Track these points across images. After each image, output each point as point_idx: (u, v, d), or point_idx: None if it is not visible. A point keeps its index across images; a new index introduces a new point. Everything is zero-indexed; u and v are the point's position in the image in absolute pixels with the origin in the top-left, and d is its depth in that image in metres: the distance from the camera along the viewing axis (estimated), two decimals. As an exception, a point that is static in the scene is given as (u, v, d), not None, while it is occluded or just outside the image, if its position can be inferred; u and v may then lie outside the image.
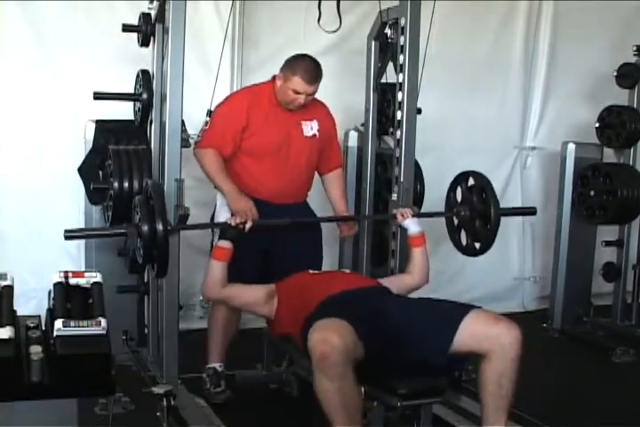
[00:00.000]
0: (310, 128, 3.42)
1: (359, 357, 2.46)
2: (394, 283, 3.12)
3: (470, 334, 2.54)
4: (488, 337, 2.51)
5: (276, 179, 3.29)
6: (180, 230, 3.15)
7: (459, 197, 3.49)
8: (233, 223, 3.02)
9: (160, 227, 2.75)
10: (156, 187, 2.91)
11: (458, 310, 2.62)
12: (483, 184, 3.31)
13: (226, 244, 3.04)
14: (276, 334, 3.08)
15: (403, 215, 3.26)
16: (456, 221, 3.49)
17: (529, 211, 3.88)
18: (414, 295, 3.49)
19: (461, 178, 3.45)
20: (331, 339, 2.35)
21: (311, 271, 3.13)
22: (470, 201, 3.37)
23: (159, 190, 2.90)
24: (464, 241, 3.48)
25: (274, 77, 3.36)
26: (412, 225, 3.23)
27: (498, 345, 2.50)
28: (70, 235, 2.87)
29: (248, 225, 3.03)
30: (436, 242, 4.58)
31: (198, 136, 3.31)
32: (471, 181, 3.40)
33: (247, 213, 3.13)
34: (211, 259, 3.07)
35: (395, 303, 2.78)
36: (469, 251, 3.47)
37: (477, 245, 3.40)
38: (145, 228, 2.75)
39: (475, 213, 3.35)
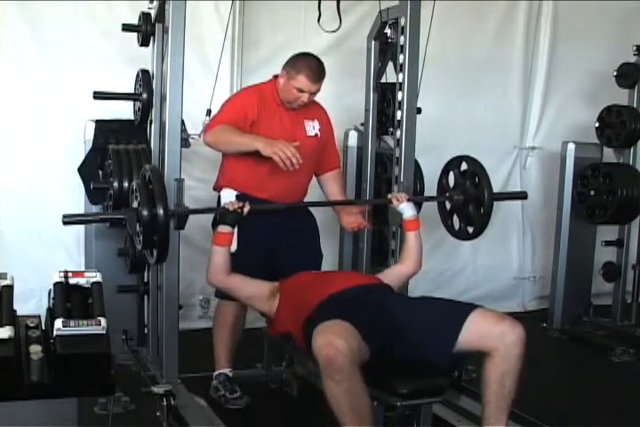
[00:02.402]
0: (312, 128, 3.41)
1: (365, 358, 2.45)
2: (390, 275, 3.12)
3: (474, 332, 2.53)
4: (492, 336, 2.50)
5: (280, 179, 3.27)
6: (180, 230, 3.15)
7: (451, 181, 3.47)
8: (231, 208, 3.02)
9: (160, 210, 2.69)
10: (155, 171, 2.86)
11: (462, 309, 2.61)
12: (475, 169, 3.29)
13: (226, 228, 3.03)
14: (276, 333, 3.08)
15: (398, 199, 3.26)
16: (448, 206, 3.48)
17: (520, 195, 3.89)
18: (415, 294, 3.50)
19: (454, 163, 3.43)
20: (335, 342, 2.34)
21: (313, 272, 3.13)
22: (463, 186, 3.35)
23: (158, 174, 2.84)
24: (457, 226, 3.47)
25: (275, 77, 3.34)
26: (407, 209, 3.23)
27: (502, 344, 2.49)
28: (69, 220, 2.83)
29: (246, 209, 3.03)
30: (437, 242, 4.61)
31: (199, 135, 3.29)
32: (464, 166, 3.38)
33: (292, 152, 3.02)
34: (212, 245, 3.07)
35: (398, 303, 2.77)
36: (462, 235, 3.45)
37: (470, 229, 3.39)
38: (145, 211, 2.69)
39: (468, 197, 3.33)
